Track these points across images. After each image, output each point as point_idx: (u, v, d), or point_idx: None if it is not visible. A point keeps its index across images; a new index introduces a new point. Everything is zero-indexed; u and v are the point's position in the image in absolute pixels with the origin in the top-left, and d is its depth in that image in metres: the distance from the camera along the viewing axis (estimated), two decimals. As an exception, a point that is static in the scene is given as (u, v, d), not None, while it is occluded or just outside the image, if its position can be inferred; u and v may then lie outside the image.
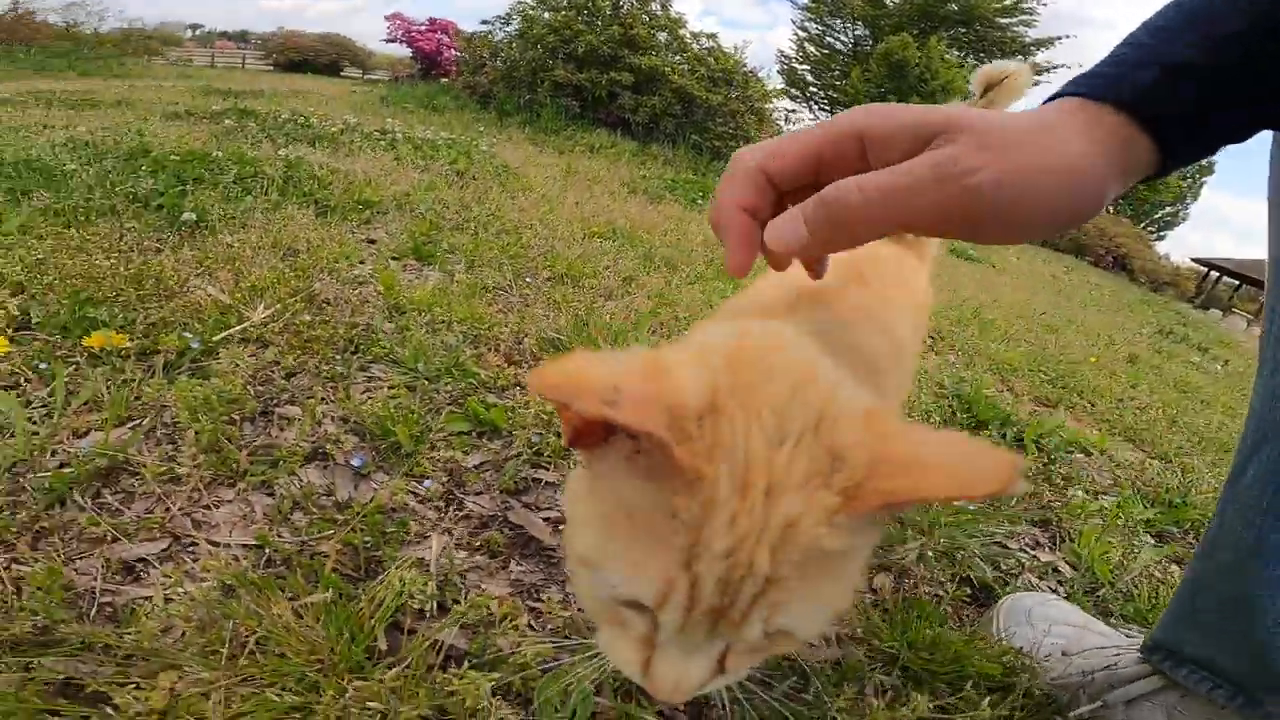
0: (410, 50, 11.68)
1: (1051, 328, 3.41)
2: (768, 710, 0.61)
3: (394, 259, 1.64)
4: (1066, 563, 1.11)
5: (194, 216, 1.50)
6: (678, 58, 6.97)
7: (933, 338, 2.39)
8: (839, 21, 16.47)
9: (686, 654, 0.35)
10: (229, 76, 9.79)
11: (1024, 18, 14.85)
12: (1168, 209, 20.24)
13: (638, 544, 0.32)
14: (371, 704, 0.52)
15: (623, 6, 6.79)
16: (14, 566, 0.61)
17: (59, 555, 0.63)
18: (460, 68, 8.01)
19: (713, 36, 7.20)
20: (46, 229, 1.36)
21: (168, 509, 0.70)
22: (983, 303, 3.41)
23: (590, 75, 6.37)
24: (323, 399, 0.93)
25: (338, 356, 1.05)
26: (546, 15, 6.70)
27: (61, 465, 0.73)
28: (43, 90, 4.45)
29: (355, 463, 0.79)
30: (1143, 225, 18.79)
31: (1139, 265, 14.40)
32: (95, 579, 0.61)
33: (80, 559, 0.63)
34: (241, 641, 0.55)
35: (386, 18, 11.61)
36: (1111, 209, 18.40)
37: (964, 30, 15.38)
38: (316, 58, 17.21)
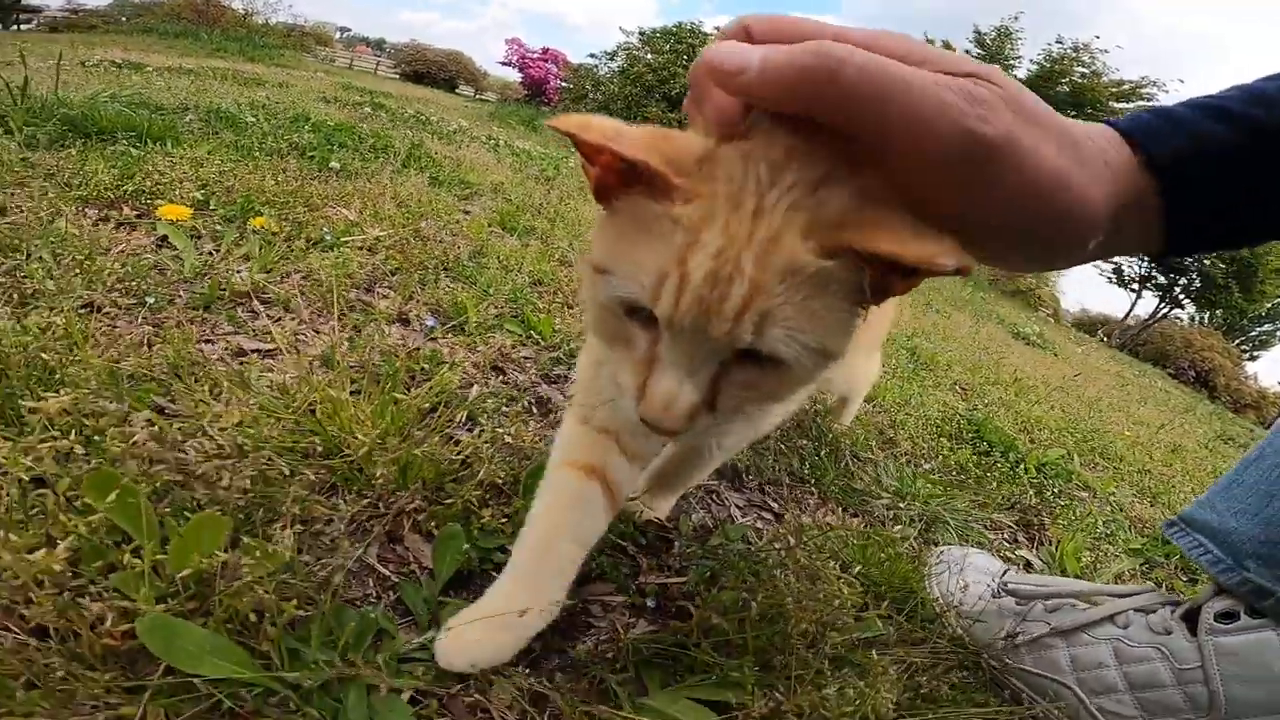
0: (521, 75, 12.67)
1: (1095, 405, 3.37)
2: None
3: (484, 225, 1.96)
4: (1040, 560, 1.17)
5: (338, 165, 1.87)
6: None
7: (962, 388, 2.46)
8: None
9: (681, 374, 0.37)
10: (363, 78, 10.93)
11: (1142, 103, 14.28)
12: (1265, 326, 18.65)
13: (641, 248, 0.37)
14: (390, 441, 0.68)
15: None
16: (157, 338, 0.84)
17: (195, 336, 0.86)
18: (562, 95, 8.71)
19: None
20: (227, 156, 1.75)
21: (281, 326, 0.97)
22: (1026, 374, 3.42)
23: (681, 116, 6.81)
24: (413, 290, 1.20)
25: (430, 270, 1.33)
26: (649, 56, 7.26)
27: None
28: (218, 68, 5.22)
29: (429, 323, 1.05)
30: (1236, 342, 17.40)
31: (1222, 383, 13.37)
32: (217, 355, 0.85)
33: (208, 343, 0.89)
34: (309, 406, 0.72)
35: (506, 41, 12.75)
36: (1203, 320, 17.23)
37: (1074, 113, 15.07)
38: (438, 72, 18.51)
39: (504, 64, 12.71)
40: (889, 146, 0.32)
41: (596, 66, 8.14)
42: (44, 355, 0.66)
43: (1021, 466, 1.56)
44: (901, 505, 1.15)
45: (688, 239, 0.35)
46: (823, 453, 1.20)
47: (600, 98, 7.56)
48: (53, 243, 1.01)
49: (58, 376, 0.65)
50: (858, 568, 0.78)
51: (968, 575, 0.81)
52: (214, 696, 0.45)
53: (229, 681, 0.46)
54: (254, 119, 2.23)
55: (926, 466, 1.37)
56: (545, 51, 12.38)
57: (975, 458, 1.50)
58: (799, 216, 0.34)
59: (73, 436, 0.55)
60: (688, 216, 0.35)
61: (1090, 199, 0.33)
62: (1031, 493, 1.43)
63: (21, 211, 1.15)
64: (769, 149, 0.36)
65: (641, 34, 7.42)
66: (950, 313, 4.82)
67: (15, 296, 0.87)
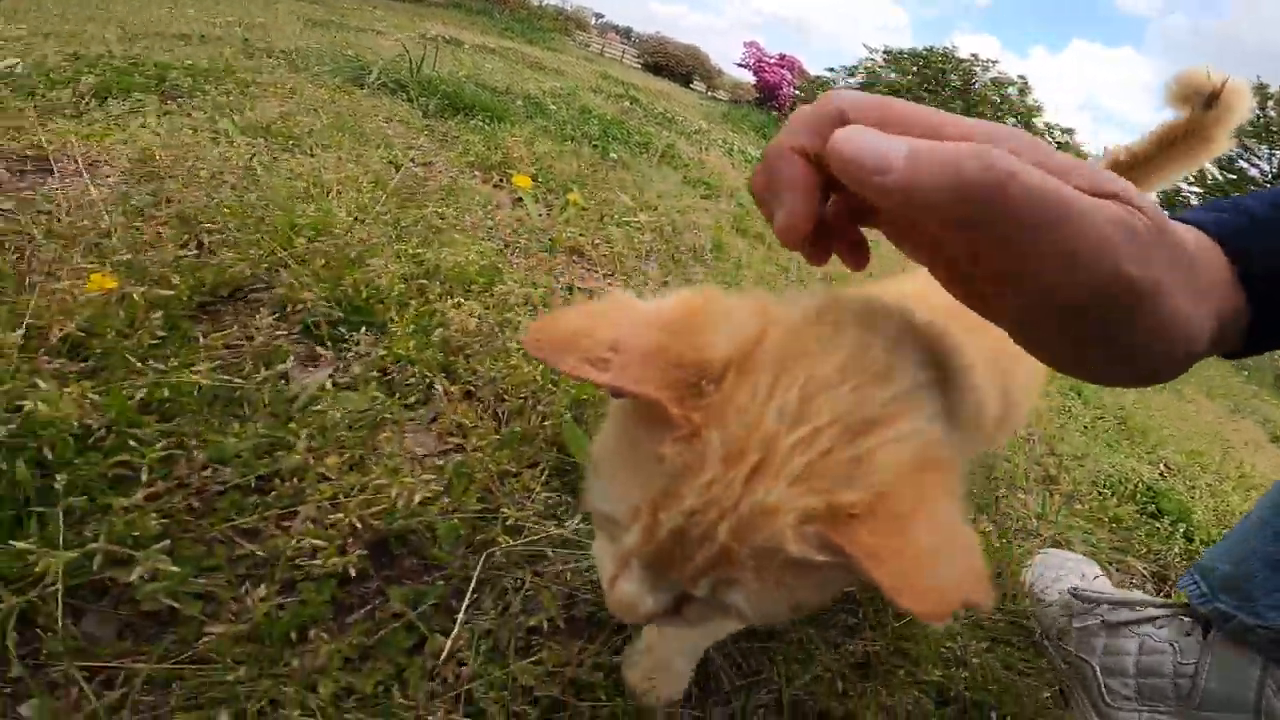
0: (754, 78, 12.96)
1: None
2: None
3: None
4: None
5: (615, 156, 2.37)
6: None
7: (1166, 466, 2.26)
8: (1265, 147, 13.48)
9: (648, 583, 0.35)
10: (613, 66, 11.99)
11: None
12: None
13: (628, 468, 0.35)
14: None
15: (975, 84, 6.90)
16: (530, 271, 1.30)
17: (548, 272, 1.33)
18: (795, 103, 8.87)
19: (1068, 132, 6.96)
20: (543, 139, 2.32)
21: (597, 274, 1.41)
22: (1260, 473, 2.94)
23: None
24: (671, 268, 1.61)
25: (681, 254, 1.73)
26: (892, 75, 7.14)
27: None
28: (509, 48, 6.26)
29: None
30: None
31: None
32: (560, 285, 1.30)
33: (554, 277, 1.34)
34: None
35: (745, 43, 13.10)
36: None
37: None
38: (676, 66, 19.42)
39: (740, 65, 13.16)
40: (1021, 276, 0.27)
41: (833, 80, 8.16)
42: (478, 276, 1.14)
43: (1185, 536, 1.45)
44: (1036, 522, 1.27)
45: (667, 486, 0.32)
46: (976, 470, 1.37)
47: (832, 112, 7.59)
48: (460, 195, 1.56)
49: (488, 292, 1.12)
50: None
51: (1064, 571, 0.95)
52: (568, 474, 0.83)
53: (578, 467, 0.83)
54: (555, 107, 2.85)
55: (1079, 506, 1.44)
56: (782, 58, 12.51)
57: (1137, 516, 1.46)
58: (807, 495, 0.30)
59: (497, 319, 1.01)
60: (673, 461, 0.31)
61: (1201, 333, 0.30)
62: (1181, 559, 1.42)
63: (435, 168, 1.74)
64: (814, 360, 0.32)
65: (887, 52, 7.32)
66: (1194, 398, 4.20)
67: (430, 232, 1.40)
